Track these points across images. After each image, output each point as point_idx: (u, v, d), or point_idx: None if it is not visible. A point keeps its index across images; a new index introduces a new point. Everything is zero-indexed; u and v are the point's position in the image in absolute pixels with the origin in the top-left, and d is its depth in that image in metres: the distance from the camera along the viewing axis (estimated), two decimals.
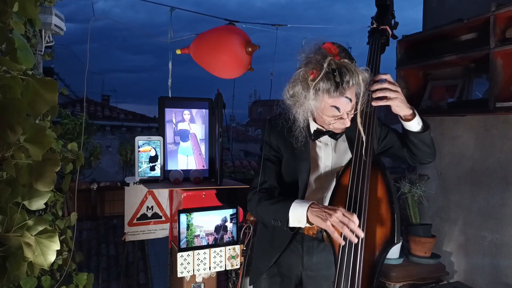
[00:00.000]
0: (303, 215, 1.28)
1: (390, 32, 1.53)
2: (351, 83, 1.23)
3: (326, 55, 1.23)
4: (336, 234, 1.19)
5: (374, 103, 1.31)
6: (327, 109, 1.29)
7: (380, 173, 1.31)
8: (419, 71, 2.62)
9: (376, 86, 1.31)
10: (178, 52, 1.86)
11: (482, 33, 2.18)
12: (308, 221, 1.28)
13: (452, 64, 2.41)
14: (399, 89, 1.31)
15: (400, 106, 1.31)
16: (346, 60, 1.24)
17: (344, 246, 1.22)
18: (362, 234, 1.19)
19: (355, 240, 1.18)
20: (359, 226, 1.20)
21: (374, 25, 1.52)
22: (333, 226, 1.19)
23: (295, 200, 1.34)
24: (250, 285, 1.66)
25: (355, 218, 1.18)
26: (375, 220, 1.27)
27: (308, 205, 1.28)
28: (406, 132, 1.40)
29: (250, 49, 1.70)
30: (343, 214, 1.18)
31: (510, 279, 2.20)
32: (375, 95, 1.31)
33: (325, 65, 1.21)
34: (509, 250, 2.20)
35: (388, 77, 1.32)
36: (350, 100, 1.27)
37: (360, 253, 1.21)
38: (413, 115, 1.35)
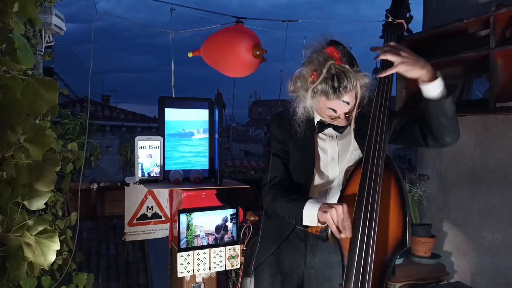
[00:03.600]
0: (314, 215, 1.31)
1: (406, 26, 1.48)
2: (348, 88, 1.24)
3: (327, 59, 1.24)
4: (335, 227, 1.23)
5: (379, 75, 1.29)
6: (324, 109, 1.33)
7: (392, 174, 1.28)
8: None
9: (380, 55, 1.26)
10: (190, 55, 1.88)
11: (482, 33, 2.18)
12: (318, 221, 1.31)
13: (452, 64, 2.41)
14: (405, 52, 1.22)
15: (409, 70, 1.23)
16: (346, 66, 1.24)
17: (354, 248, 1.21)
18: (350, 234, 1.22)
19: (343, 237, 1.22)
20: (370, 228, 1.21)
21: (389, 19, 1.46)
22: (332, 219, 1.23)
23: (309, 200, 1.36)
24: (248, 275, 1.67)
25: (349, 221, 1.22)
26: (387, 223, 1.25)
27: (319, 205, 1.31)
28: (424, 100, 1.30)
29: (258, 53, 1.71)
30: (343, 212, 1.22)
31: (510, 279, 2.20)
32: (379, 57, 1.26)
33: (324, 71, 1.23)
34: (509, 250, 2.20)
35: (390, 43, 1.28)
36: (348, 103, 1.29)
37: (371, 255, 1.19)
38: (431, 78, 1.24)
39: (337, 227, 1.22)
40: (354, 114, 1.34)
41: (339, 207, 1.23)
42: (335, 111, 1.30)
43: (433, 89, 1.26)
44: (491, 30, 1.98)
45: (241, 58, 1.70)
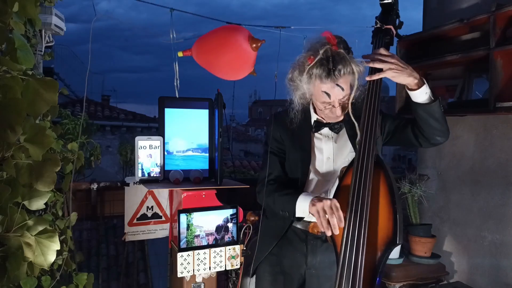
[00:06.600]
0: (306, 206, 1.34)
1: (394, 32, 1.52)
2: (342, 71, 1.28)
3: (325, 43, 1.30)
4: (319, 221, 1.25)
5: (368, 78, 1.34)
6: (318, 95, 1.35)
7: (382, 173, 1.30)
8: (419, 71, 2.58)
9: (370, 63, 1.33)
10: (180, 54, 1.85)
11: (482, 33, 2.18)
12: (309, 212, 1.33)
13: (452, 64, 2.41)
14: (393, 59, 1.29)
15: (397, 76, 1.29)
16: (342, 51, 1.29)
17: (346, 246, 1.23)
18: (336, 232, 1.23)
19: (328, 233, 1.23)
20: (360, 226, 1.22)
21: (378, 25, 1.51)
22: (317, 212, 1.25)
23: (303, 193, 1.39)
24: (251, 276, 1.68)
25: (340, 214, 1.22)
26: (377, 220, 1.27)
27: (311, 197, 1.33)
28: (413, 104, 1.36)
29: (254, 45, 1.66)
30: (330, 206, 1.23)
31: (510, 279, 2.20)
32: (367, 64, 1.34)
33: (321, 52, 1.28)
34: (509, 250, 2.20)
35: (380, 50, 1.33)
36: (343, 89, 1.31)
37: (362, 253, 1.21)
38: (418, 85, 1.32)
39: (325, 222, 1.24)
40: (350, 103, 1.35)
41: (327, 202, 1.25)
42: (329, 96, 1.32)
43: (420, 94, 1.33)
44: (491, 30, 1.98)
45: (239, 52, 1.66)
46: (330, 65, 1.27)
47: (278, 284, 1.56)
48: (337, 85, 1.30)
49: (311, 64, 1.29)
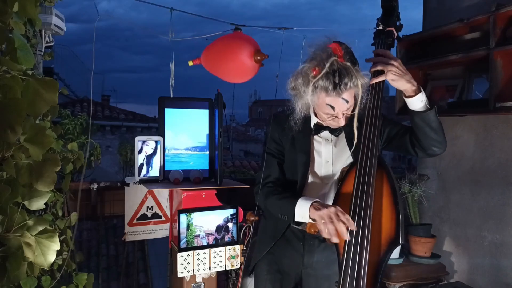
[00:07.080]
0: (306, 211, 1.32)
1: (396, 34, 1.53)
2: (348, 85, 1.26)
3: (331, 55, 1.27)
4: (323, 226, 1.21)
5: (370, 82, 1.34)
6: (322, 106, 1.34)
7: (385, 174, 1.31)
8: (419, 71, 2.62)
9: (371, 60, 1.33)
10: (190, 63, 1.88)
11: (482, 33, 2.18)
12: (310, 217, 1.32)
13: (452, 64, 2.41)
14: (396, 62, 1.29)
15: (396, 80, 1.30)
16: (348, 64, 1.27)
17: (349, 247, 1.23)
18: (346, 237, 1.20)
19: (335, 240, 1.19)
20: (364, 226, 1.22)
21: (380, 27, 1.51)
22: (322, 218, 1.22)
23: (301, 197, 1.37)
24: (249, 274, 1.69)
25: (347, 217, 1.20)
26: (380, 221, 1.27)
27: (311, 202, 1.31)
28: (410, 113, 1.37)
29: (259, 58, 1.74)
30: (336, 213, 1.20)
31: (510, 279, 2.20)
32: (371, 71, 1.34)
33: (327, 65, 1.26)
34: (509, 250, 2.20)
35: (385, 52, 1.34)
36: (347, 101, 1.30)
37: (366, 253, 1.21)
38: (415, 92, 1.32)
39: (333, 230, 1.20)
40: (356, 114, 1.35)
41: (332, 208, 1.22)
42: (333, 108, 1.32)
43: (416, 101, 1.33)
44: (491, 30, 1.98)
45: (243, 64, 1.72)
46: (336, 79, 1.25)
47: (276, 283, 1.57)
48: (342, 98, 1.29)
49: (316, 77, 1.27)
